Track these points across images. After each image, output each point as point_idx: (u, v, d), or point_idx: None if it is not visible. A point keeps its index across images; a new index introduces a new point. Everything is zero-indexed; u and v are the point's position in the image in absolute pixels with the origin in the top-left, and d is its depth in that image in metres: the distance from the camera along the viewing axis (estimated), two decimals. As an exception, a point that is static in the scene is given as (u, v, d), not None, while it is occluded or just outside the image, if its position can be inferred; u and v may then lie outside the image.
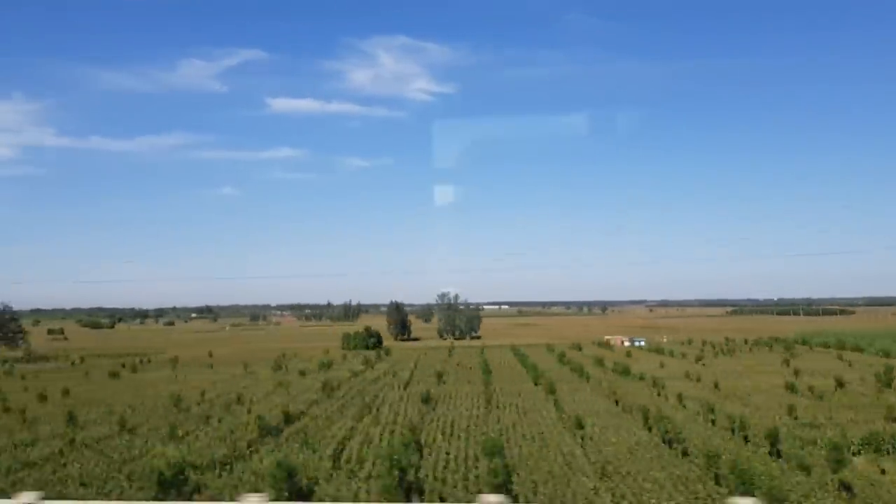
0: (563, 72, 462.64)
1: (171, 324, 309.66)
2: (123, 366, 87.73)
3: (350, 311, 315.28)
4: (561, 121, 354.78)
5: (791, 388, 53.56)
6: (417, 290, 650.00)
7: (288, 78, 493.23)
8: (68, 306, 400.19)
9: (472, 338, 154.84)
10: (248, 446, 33.87)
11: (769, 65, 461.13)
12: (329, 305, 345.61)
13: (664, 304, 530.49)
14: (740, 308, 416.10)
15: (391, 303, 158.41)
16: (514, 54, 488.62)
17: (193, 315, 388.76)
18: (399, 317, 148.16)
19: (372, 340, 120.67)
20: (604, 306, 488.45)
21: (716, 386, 56.51)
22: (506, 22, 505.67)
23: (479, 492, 23.54)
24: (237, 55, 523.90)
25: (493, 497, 4.83)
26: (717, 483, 25.38)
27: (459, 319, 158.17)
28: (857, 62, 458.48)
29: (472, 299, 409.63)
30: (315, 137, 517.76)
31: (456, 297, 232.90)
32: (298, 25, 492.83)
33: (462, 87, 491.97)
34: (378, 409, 47.09)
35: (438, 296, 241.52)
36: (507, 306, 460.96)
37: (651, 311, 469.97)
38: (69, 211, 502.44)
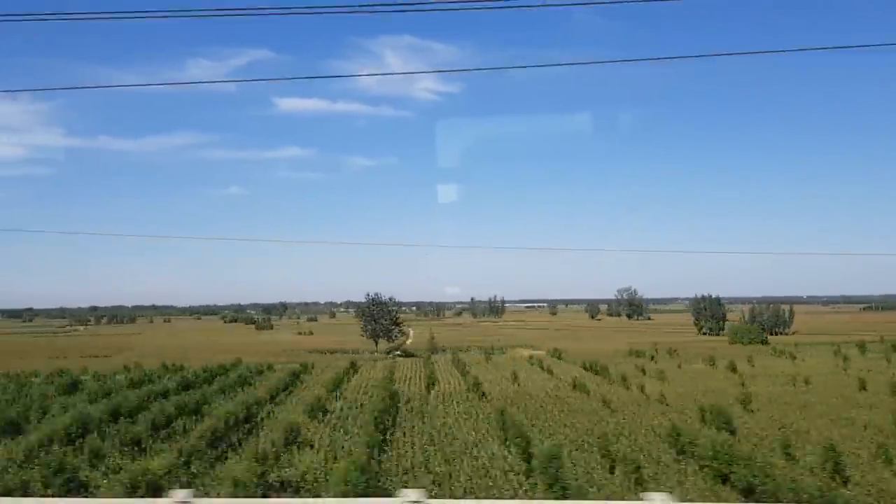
0: (570, 71, 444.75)
1: (314, 319, 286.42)
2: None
3: (495, 308, 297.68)
4: (566, 120, 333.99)
5: None
6: (422, 287, 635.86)
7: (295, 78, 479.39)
8: (72, 305, 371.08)
9: (779, 333, 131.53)
10: None
11: (776, 64, 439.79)
12: (473, 302, 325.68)
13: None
14: (874, 304, 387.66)
15: (701, 296, 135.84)
16: (520, 54, 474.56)
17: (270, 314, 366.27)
18: (716, 312, 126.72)
19: (764, 336, 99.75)
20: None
21: None
22: (512, 22, 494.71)
23: None
24: (245, 55, 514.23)
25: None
26: None
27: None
28: (863, 61, 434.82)
29: (478, 297, 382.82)
30: (322, 137, 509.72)
31: (635, 291, 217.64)
32: (306, 25, 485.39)
33: (468, 86, 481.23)
34: None
35: (618, 291, 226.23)
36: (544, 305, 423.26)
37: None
38: (78, 210, 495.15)
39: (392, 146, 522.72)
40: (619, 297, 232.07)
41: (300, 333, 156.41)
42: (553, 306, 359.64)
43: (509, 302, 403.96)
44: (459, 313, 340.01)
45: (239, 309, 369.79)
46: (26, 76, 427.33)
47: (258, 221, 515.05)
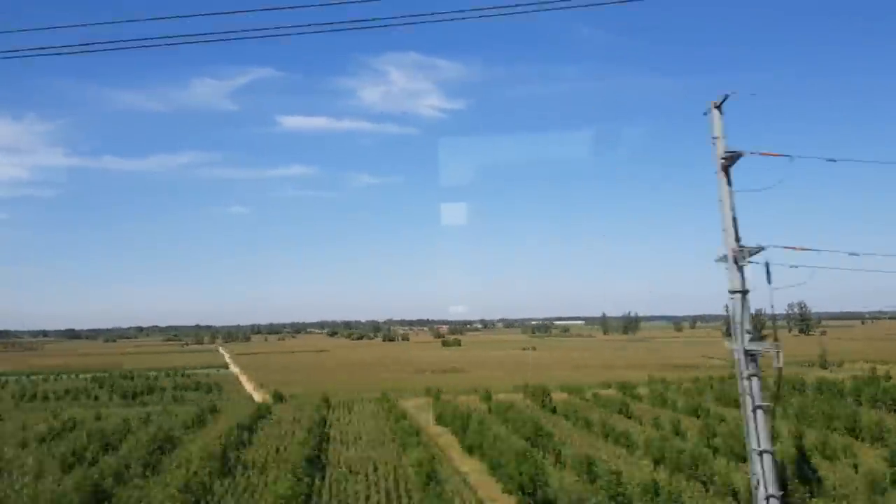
0: (575, 87, 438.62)
1: (392, 339, 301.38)
2: None
3: (630, 323, 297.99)
4: (572, 136, 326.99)
5: None
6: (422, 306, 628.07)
7: (300, 96, 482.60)
8: (78, 326, 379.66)
9: None
10: None
11: (780, 80, 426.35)
12: (605, 318, 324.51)
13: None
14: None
15: None
16: (525, 70, 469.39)
17: (317, 331, 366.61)
18: None
19: None
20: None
21: None
22: (518, 38, 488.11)
23: None
24: (249, 73, 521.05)
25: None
26: None
27: None
28: (869, 78, 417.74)
29: (488, 316, 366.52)
30: (326, 155, 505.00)
31: (804, 304, 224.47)
32: (311, 43, 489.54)
33: (473, 103, 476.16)
34: None
35: (788, 305, 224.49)
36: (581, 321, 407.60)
37: (864, 323, 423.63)
38: (81, 231, 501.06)
39: (397, 163, 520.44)
40: (790, 311, 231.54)
41: (524, 349, 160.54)
42: (678, 323, 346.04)
43: (536, 319, 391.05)
44: (566, 329, 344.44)
45: (298, 327, 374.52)
46: (32, 96, 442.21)
47: (262, 240, 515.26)
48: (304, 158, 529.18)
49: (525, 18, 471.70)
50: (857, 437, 36.60)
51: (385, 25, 12.35)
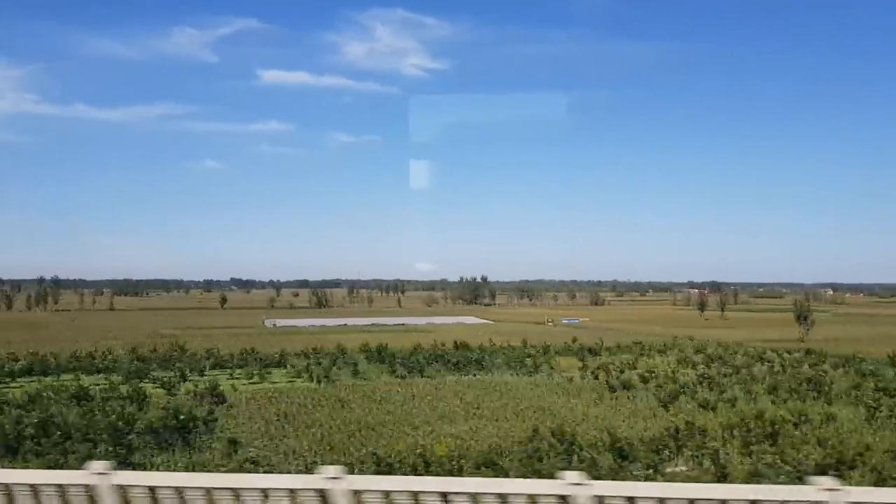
0: (565, 51, 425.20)
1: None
2: None
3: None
4: (556, 100, 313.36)
5: None
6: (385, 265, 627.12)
7: (282, 49, 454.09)
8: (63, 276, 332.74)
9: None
10: None
11: (776, 52, 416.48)
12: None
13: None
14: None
15: None
16: (515, 32, 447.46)
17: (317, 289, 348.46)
18: None
19: None
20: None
21: None
22: None
23: None
24: (232, 24, 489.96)
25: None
26: None
27: None
28: (863, 56, 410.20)
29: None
30: (304, 111, 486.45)
31: None
32: None
33: (459, 63, 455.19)
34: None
35: None
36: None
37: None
38: (52, 180, 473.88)
39: (376, 123, 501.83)
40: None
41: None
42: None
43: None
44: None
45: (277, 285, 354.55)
46: (2, 39, 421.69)
47: (234, 197, 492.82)
48: (281, 114, 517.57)
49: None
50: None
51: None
